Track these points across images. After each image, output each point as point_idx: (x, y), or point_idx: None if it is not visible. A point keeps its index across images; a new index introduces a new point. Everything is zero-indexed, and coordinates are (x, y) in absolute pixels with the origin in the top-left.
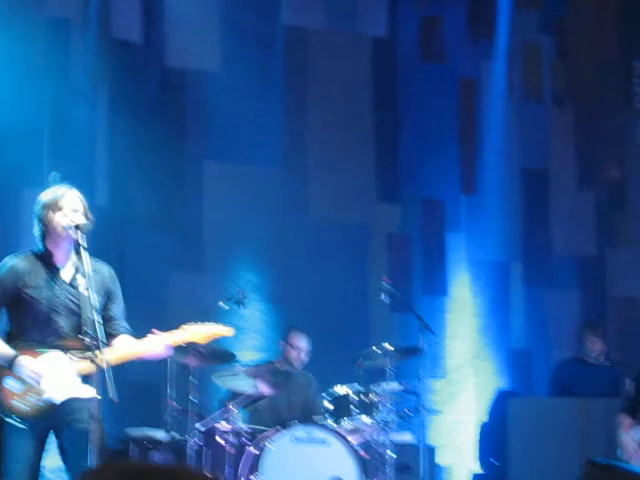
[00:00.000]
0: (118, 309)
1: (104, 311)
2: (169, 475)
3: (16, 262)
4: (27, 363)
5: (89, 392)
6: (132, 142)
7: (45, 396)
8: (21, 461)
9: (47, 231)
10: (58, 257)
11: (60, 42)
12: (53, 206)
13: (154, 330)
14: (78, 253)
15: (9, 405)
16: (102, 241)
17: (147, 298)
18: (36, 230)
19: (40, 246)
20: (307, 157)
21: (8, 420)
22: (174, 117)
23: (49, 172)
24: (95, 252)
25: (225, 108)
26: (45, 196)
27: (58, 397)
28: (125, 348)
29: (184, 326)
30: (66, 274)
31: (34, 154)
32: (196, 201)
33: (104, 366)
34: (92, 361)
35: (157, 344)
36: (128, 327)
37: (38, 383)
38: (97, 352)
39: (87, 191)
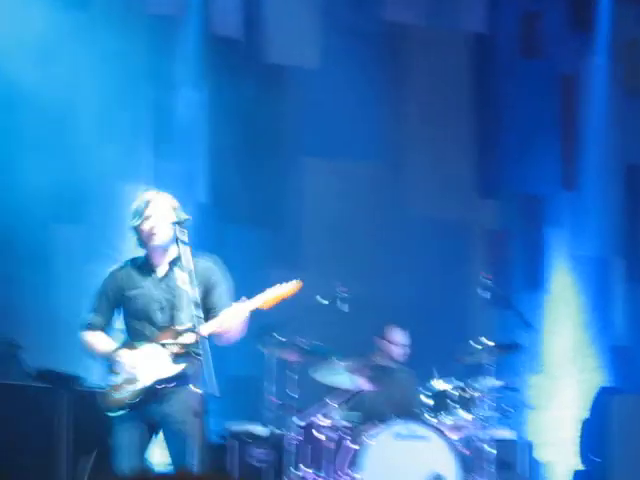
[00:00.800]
0: (218, 298)
1: (205, 303)
2: None
3: (117, 269)
4: (123, 356)
5: (174, 369)
6: (232, 139)
7: (139, 383)
8: (129, 449)
9: (139, 238)
10: (154, 258)
11: (162, 40)
12: (139, 214)
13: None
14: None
15: (115, 399)
16: (201, 238)
17: (248, 294)
18: (135, 239)
19: (140, 251)
20: (406, 153)
21: (113, 415)
22: (274, 114)
23: (151, 170)
24: (196, 249)
25: (324, 105)
26: (133, 205)
27: (148, 379)
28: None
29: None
30: (161, 271)
31: (136, 152)
32: (296, 198)
33: (198, 353)
34: (188, 351)
35: (231, 317)
36: None
37: (133, 373)
38: (193, 343)
39: (188, 189)
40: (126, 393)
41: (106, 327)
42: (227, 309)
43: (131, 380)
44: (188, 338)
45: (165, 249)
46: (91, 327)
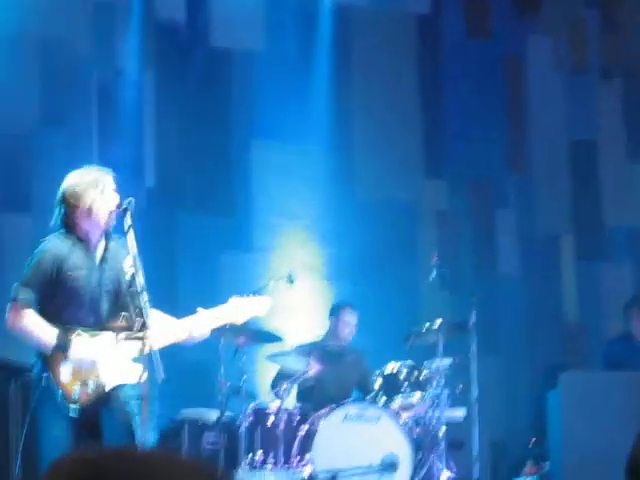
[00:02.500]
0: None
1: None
2: (146, 469)
3: (53, 244)
4: (82, 347)
5: (139, 376)
6: (179, 123)
7: (101, 380)
8: (59, 448)
9: (85, 211)
10: (91, 240)
11: (106, 24)
12: (94, 187)
13: (199, 309)
14: (108, 235)
15: (67, 390)
16: (151, 223)
17: (198, 279)
18: (68, 210)
19: (71, 225)
20: (353, 135)
21: (70, 413)
22: (220, 97)
23: (97, 156)
24: (143, 234)
25: (271, 87)
26: (82, 177)
27: (111, 381)
28: (170, 331)
29: (231, 299)
30: (99, 254)
31: (82, 138)
32: (244, 181)
33: (153, 347)
34: (141, 342)
35: (200, 326)
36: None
37: (91, 367)
38: (144, 333)
39: (135, 173)
40: (81, 391)
41: (34, 307)
42: (192, 317)
43: (87, 375)
44: (137, 327)
45: (102, 232)
46: (23, 305)
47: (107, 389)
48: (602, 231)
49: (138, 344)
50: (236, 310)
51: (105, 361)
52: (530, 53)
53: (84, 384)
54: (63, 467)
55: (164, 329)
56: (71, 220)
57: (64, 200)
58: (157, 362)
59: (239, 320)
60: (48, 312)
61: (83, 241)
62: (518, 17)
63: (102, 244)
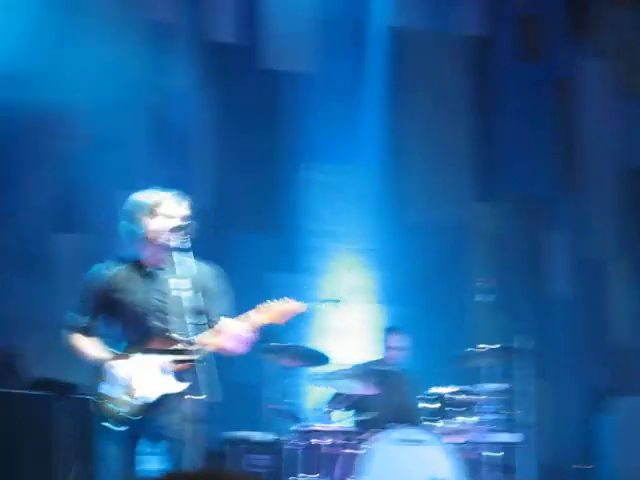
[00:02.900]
0: (214, 306)
1: (206, 309)
2: None
3: (104, 268)
4: (117, 366)
5: (180, 387)
6: (229, 145)
7: (138, 395)
8: (114, 465)
9: (142, 234)
10: (150, 260)
11: (159, 47)
12: (149, 211)
13: (222, 317)
14: (172, 255)
15: (105, 409)
16: (200, 243)
17: (245, 299)
18: (125, 232)
19: (131, 249)
20: (404, 157)
21: (105, 424)
22: (271, 119)
23: (149, 177)
24: (193, 253)
25: (321, 109)
26: (141, 199)
27: (151, 394)
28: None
29: (259, 306)
30: (157, 275)
31: (134, 159)
32: (293, 202)
33: (195, 362)
34: (183, 360)
35: (229, 337)
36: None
37: (129, 384)
38: (188, 353)
39: (185, 194)
40: (125, 406)
41: (90, 331)
42: (228, 325)
43: (127, 392)
44: (185, 347)
45: (163, 252)
46: (74, 329)
47: (148, 401)
48: None
49: (184, 361)
50: (263, 310)
51: (146, 379)
52: (581, 76)
53: (124, 403)
54: None
55: (206, 341)
56: (130, 242)
57: (124, 223)
58: (214, 385)
59: (267, 320)
60: (110, 333)
61: (139, 263)
62: (570, 40)
63: (161, 264)
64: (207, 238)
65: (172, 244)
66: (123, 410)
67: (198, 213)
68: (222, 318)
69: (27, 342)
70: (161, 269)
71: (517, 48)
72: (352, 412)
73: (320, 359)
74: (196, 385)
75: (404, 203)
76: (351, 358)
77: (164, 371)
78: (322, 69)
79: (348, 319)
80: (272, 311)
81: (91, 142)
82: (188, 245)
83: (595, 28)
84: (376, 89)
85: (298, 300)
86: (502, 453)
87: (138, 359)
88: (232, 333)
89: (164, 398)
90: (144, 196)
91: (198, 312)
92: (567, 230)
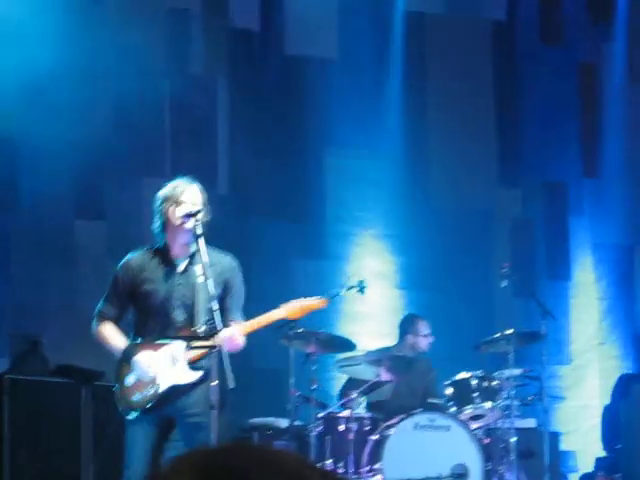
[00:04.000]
0: (232, 301)
1: (221, 302)
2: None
3: (132, 259)
4: (140, 354)
5: (199, 375)
6: (252, 131)
7: (161, 383)
8: (140, 452)
9: (166, 225)
10: (176, 250)
11: (179, 33)
12: (172, 201)
13: (231, 322)
14: (196, 243)
15: (130, 401)
16: (223, 230)
17: (270, 286)
18: (156, 225)
19: (159, 240)
20: (428, 142)
21: (129, 417)
22: (294, 104)
23: (170, 163)
24: (216, 241)
25: (345, 94)
26: (164, 191)
27: (173, 383)
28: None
29: (282, 305)
30: (182, 266)
31: (155, 145)
32: (317, 188)
33: (221, 349)
34: (207, 348)
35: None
36: (242, 320)
37: (149, 374)
38: (213, 339)
39: (208, 181)
40: (140, 396)
41: (118, 319)
42: (247, 321)
43: (147, 381)
44: (205, 336)
45: (188, 241)
46: (103, 317)
47: (165, 388)
48: None
49: (201, 350)
50: (287, 309)
51: (168, 369)
52: (603, 60)
53: (142, 391)
54: (186, 464)
55: (229, 332)
56: (161, 236)
57: (155, 219)
58: (228, 369)
59: (291, 315)
60: (134, 323)
61: (164, 253)
62: (592, 24)
63: (187, 255)
64: (231, 225)
65: (198, 231)
66: (145, 399)
67: (221, 199)
68: (234, 322)
69: (49, 329)
70: (186, 259)
71: (540, 31)
72: (372, 397)
73: (346, 345)
74: (215, 373)
75: (428, 188)
76: (374, 343)
77: (186, 360)
78: (345, 54)
79: (372, 305)
80: (291, 309)
81: (113, 129)
82: (201, 231)
83: (617, 11)
84: (399, 74)
85: (323, 286)
86: (526, 438)
87: (161, 349)
88: (227, 336)
89: (186, 386)
90: (168, 188)
91: (216, 300)
92: (592, 214)
